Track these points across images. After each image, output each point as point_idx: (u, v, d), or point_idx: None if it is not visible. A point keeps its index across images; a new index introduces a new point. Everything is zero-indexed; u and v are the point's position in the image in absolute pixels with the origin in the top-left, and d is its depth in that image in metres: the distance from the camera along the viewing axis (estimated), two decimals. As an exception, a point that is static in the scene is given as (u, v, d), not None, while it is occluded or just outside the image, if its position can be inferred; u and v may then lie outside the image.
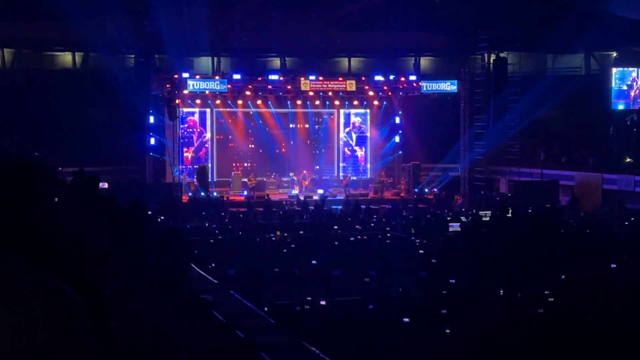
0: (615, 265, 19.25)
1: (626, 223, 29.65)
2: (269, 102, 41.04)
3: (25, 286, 2.56)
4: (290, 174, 41.34)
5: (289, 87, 39.30)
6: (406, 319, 14.91)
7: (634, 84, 43.52)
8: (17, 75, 41.28)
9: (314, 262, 22.17)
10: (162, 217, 29.88)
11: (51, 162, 25.54)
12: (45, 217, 4.36)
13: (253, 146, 42.14)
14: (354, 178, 42.31)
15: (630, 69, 44.05)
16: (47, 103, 38.38)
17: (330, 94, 40.51)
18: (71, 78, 40.81)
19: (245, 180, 39.44)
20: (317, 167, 42.43)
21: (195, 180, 38.59)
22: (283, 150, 42.39)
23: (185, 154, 40.38)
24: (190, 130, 41.19)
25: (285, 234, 27.29)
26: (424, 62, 47.08)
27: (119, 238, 9.08)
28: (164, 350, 8.05)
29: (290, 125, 42.51)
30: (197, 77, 38.29)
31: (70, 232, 4.76)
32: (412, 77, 40.87)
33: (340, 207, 35.89)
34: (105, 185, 27.79)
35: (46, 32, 40.16)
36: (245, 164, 41.62)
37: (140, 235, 9.77)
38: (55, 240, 4.16)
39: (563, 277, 18.36)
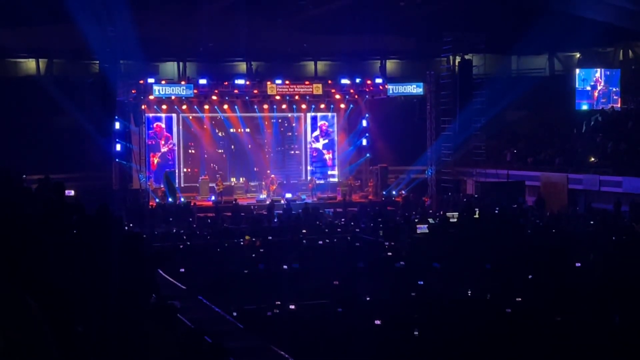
0: (580, 264, 19.43)
1: (592, 222, 29.94)
2: (236, 107, 40.93)
3: None
4: (256, 183, 41.25)
5: (255, 91, 39.23)
6: (377, 322, 14.94)
7: (597, 84, 43.99)
8: (-20, 83, 40.77)
9: (284, 266, 22.14)
10: (131, 224, 29.76)
11: (16, 169, 25.26)
12: (7, 224, 4.32)
13: (220, 151, 42.01)
14: (321, 182, 42.32)
15: (594, 69, 44.51)
16: (11, 110, 37.98)
17: (297, 97, 40.50)
18: (35, 85, 40.33)
19: (213, 185, 39.29)
20: (280, 173, 42.32)
21: (162, 186, 38.42)
22: (250, 154, 42.26)
23: (151, 160, 40.14)
24: (157, 136, 40.98)
25: (254, 239, 27.24)
26: (390, 64, 47.23)
27: (85, 245, 9.02)
28: (131, 356, 8.01)
29: (258, 130, 42.42)
30: (163, 82, 38.13)
31: (33, 240, 4.72)
32: (379, 80, 40.98)
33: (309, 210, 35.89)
34: (72, 192, 27.57)
35: (9, 38, 39.74)
36: (213, 169, 41.45)
37: (107, 241, 9.71)
38: (18, 248, 4.12)
39: (530, 276, 18.51)
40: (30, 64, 42.86)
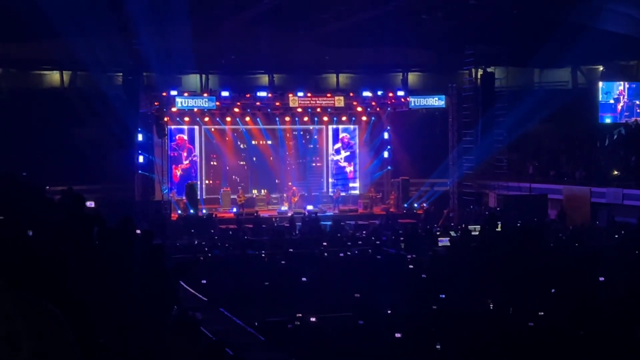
0: (603, 279, 19.26)
1: (616, 236, 29.70)
2: (258, 119, 41.05)
3: (6, 305, 2.56)
4: (277, 195, 41.36)
5: (277, 103, 39.35)
6: (398, 335, 14.88)
7: (621, 97, 43.72)
8: (5, 95, 41.09)
9: (304, 279, 22.12)
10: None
11: (39, 181, 25.45)
12: (30, 236, 4.35)
13: (242, 163, 42.11)
14: (343, 194, 42.30)
15: (617, 82, 44.25)
16: (35, 122, 38.27)
17: (318, 110, 40.58)
18: (59, 97, 40.67)
19: (235, 197, 39.38)
20: (301, 185, 42.30)
21: (184, 198, 38.53)
22: (272, 166, 42.35)
23: (174, 172, 40.30)
24: (179, 147, 41.14)
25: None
26: (412, 77, 47.18)
27: (107, 256, 9.04)
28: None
29: (279, 142, 42.49)
30: (186, 94, 38.32)
31: (55, 251, 4.74)
32: (400, 93, 40.99)
33: (329, 223, 35.86)
34: (92, 204, 27.67)
35: (34, 51, 40.10)
36: (234, 181, 41.54)
37: (129, 253, 9.74)
38: (40, 259, 4.14)
39: (553, 290, 18.37)
40: (54, 76, 43.20)
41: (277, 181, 42.17)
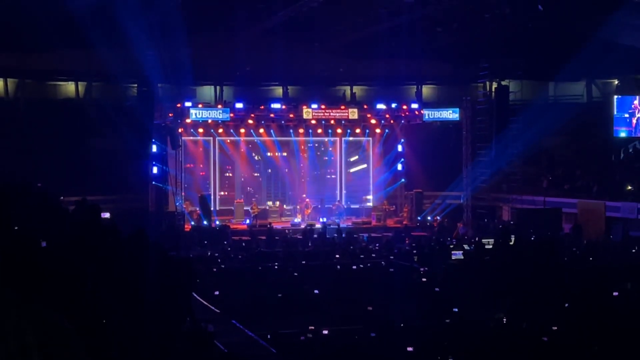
0: (617, 293, 19.17)
1: (633, 250, 29.55)
2: (272, 131, 41.12)
3: (18, 318, 2.56)
4: (291, 206, 41.41)
5: (291, 115, 39.37)
6: (410, 348, 14.84)
7: (636, 111, 43.52)
8: (21, 105, 41.32)
9: (316, 291, 22.11)
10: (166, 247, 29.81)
11: (54, 191, 25.52)
12: (44, 247, 4.36)
13: (255, 174, 42.18)
14: (356, 206, 42.27)
15: (632, 96, 44.08)
16: (50, 132, 38.43)
17: (332, 122, 40.58)
18: (74, 107, 40.87)
19: (248, 208, 39.43)
20: (322, 199, 42.33)
21: (197, 209, 38.59)
22: (285, 178, 42.40)
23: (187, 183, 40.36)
24: (193, 159, 41.24)
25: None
26: (426, 90, 47.17)
27: (121, 268, 9.06)
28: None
29: (293, 154, 42.55)
30: (200, 106, 38.40)
31: (70, 263, 4.75)
32: (414, 105, 40.93)
33: (342, 235, 35.81)
34: (107, 215, 27.75)
35: (49, 62, 40.31)
36: (248, 192, 41.60)
37: (142, 265, 9.75)
38: (55, 271, 4.15)
39: (567, 305, 18.28)
40: (69, 87, 43.42)
41: (290, 193, 42.22)
